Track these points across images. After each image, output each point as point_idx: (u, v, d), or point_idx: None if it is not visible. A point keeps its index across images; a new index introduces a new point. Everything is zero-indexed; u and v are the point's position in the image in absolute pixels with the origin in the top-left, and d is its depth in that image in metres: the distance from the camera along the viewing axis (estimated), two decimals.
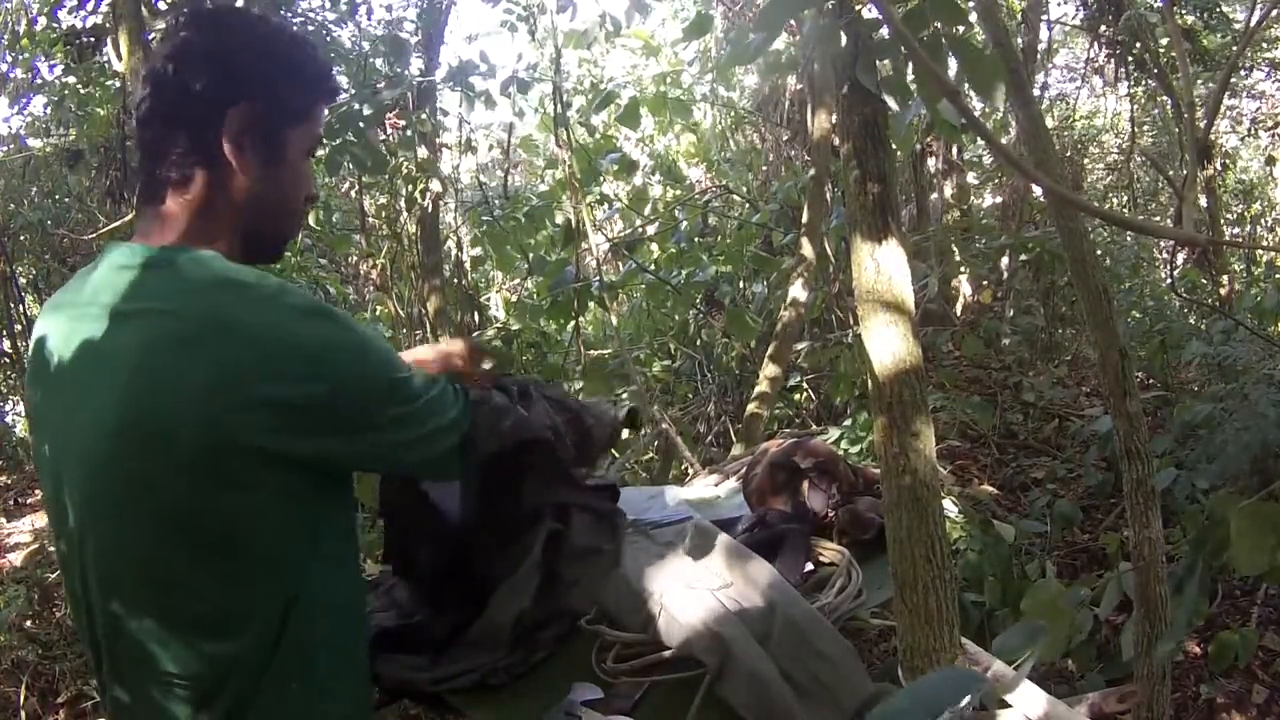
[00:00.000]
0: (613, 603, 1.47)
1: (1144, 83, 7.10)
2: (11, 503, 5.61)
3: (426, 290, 5.20)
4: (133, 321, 0.98)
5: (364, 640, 1.18)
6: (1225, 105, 7.86)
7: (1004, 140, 6.43)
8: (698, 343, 5.55)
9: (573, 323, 4.74)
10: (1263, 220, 9.34)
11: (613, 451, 4.66)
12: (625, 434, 1.62)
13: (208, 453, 0.95)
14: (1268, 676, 3.16)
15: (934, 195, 6.81)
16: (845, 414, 4.47)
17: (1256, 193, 9.32)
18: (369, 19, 5.30)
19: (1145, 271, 6.70)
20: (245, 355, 0.95)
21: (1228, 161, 8.19)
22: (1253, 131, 8.69)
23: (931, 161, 6.75)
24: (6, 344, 6.35)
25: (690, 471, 3.52)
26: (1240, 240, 8.66)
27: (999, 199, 7.70)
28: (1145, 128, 8.22)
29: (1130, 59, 6.54)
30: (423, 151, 4.56)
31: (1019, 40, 6.04)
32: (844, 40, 1.36)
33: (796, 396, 5.17)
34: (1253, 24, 5.61)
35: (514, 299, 6.14)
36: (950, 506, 2.76)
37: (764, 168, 6.79)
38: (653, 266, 5.39)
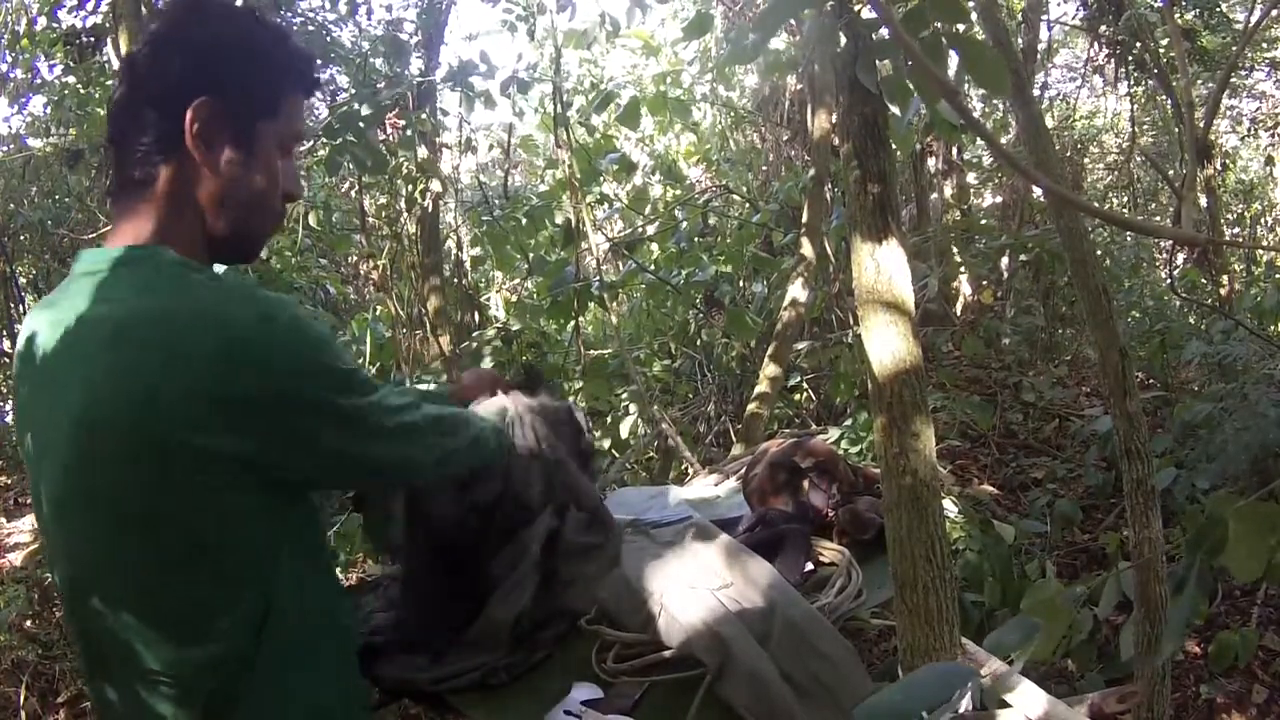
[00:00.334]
0: (613, 603, 1.47)
1: (1144, 83, 7.10)
2: (11, 503, 5.61)
3: (426, 290, 5.20)
4: (91, 323, 0.97)
5: (346, 642, 1.16)
6: (1225, 105, 7.87)
7: (1004, 140, 6.44)
8: (698, 343, 5.55)
9: (573, 323, 4.74)
10: (1263, 220, 9.34)
11: (613, 452, 4.67)
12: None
13: (162, 455, 0.94)
14: (1268, 676, 3.17)
15: (934, 195, 6.82)
16: (845, 414, 4.47)
17: (1256, 193, 9.31)
18: (369, 19, 5.30)
19: (1145, 271, 6.70)
20: (194, 356, 0.93)
21: (1228, 161, 8.19)
22: (1253, 131, 8.70)
23: (931, 161, 6.75)
24: (6, 344, 6.35)
25: (690, 471, 3.52)
26: (1240, 240, 8.66)
27: (999, 199, 7.71)
28: (1145, 128, 8.22)
29: (1130, 59, 6.54)
30: (423, 151, 4.56)
31: (1019, 40, 6.04)
32: (844, 40, 1.37)
33: (796, 396, 5.17)
34: (1253, 24, 5.62)
35: (514, 299, 6.14)
36: (950, 506, 2.77)
37: (764, 168, 6.80)
38: (653, 266, 5.39)
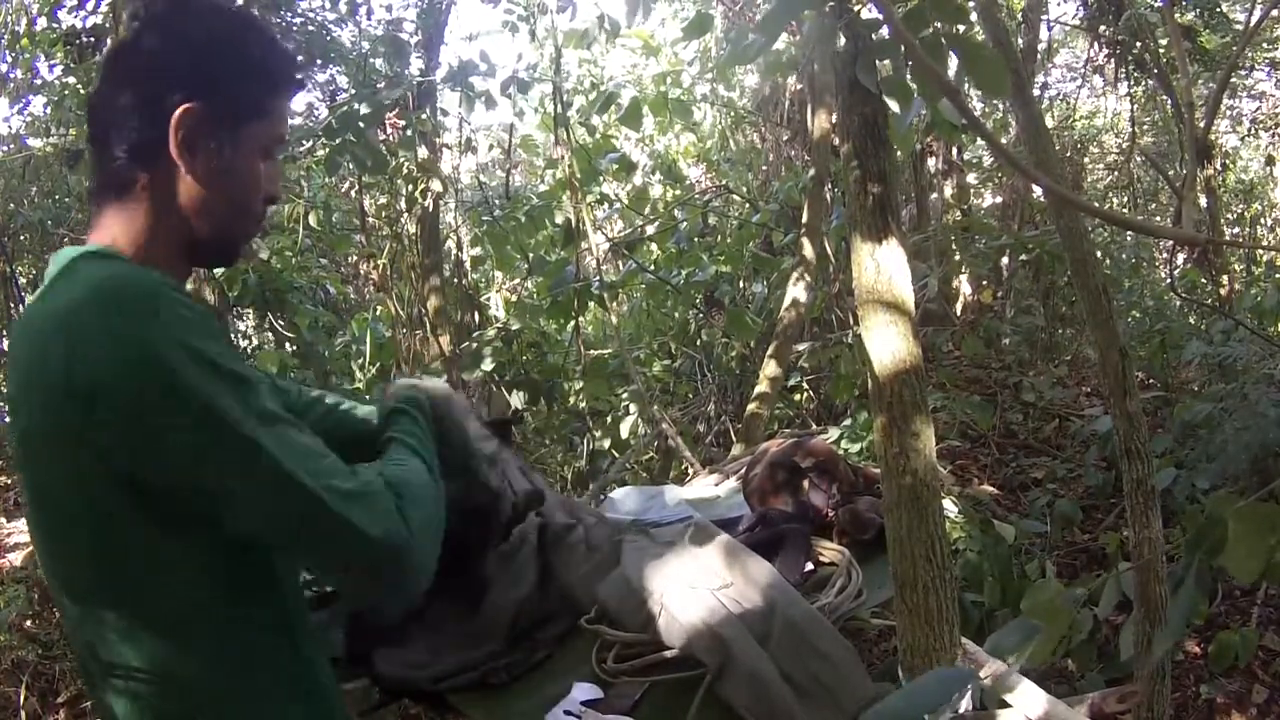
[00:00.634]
0: (613, 603, 1.47)
1: (1144, 83, 7.11)
2: (12, 503, 5.60)
3: (426, 290, 5.20)
4: (36, 327, 0.95)
5: (314, 652, 1.10)
6: (1225, 105, 7.87)
7: (1004, 140, 6.44)
8: (698, 343, 5.55)
9: (573, 323, 4.74)
10: (1263, 220, 9.35)
11: (613, 451, 4.67)
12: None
13: (75, 475, 0.91)
14: (1268, 676, 3.17)
15: (934, 195, 6.81)
16: (845, 414, 4.46)
17: (1256, 193, 9.32)
18: (369, 19, 5.31)
19: (1145, 271, 6.69)
20: (97, 368, 0.88)
21: (1228, 161, 8.19)
22: (1253, 131, 8.70)
23: (931, 161, 6.75)
24: (6, 344, 6.35)
25: (690, 471, 3.52)
26: (1240, 240, 8.66)
27: (999, 199, 7.70)
28: (1145, 128, 8.22)
29: (1130, 59, 6.54)
30: (423, 151, 4.56)
31: (1019, 40, 6.04)
32: (844, 40, 1.37)
33: (796, 396, 5.17)
34: (1253, 24, 5.62)
35: (514, 299, 6.13)
36: (950, 506, 2.76)
37: (764, 168, 6.80)
38: (653, 266, 5.40)
